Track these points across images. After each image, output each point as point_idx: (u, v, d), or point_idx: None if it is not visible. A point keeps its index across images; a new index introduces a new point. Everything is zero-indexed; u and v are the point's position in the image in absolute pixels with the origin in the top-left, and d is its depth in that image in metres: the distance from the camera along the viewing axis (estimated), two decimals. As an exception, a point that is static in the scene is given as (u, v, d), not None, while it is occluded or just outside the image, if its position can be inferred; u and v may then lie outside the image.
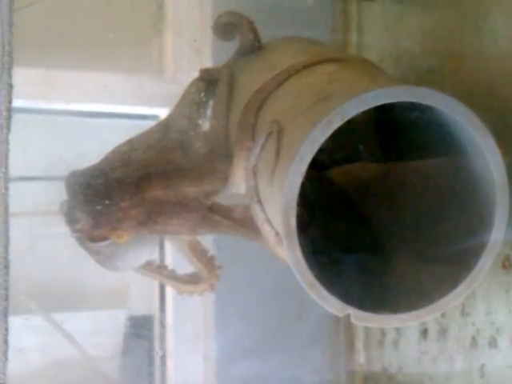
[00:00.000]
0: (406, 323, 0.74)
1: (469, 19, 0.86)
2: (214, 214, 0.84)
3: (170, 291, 1.12)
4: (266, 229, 0.78)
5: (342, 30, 1.09)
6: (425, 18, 0.93)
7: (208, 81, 0.89)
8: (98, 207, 0.82)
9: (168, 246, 1.10)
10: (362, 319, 0.70)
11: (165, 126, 0.90)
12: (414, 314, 0.72)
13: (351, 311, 0.69)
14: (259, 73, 0.84)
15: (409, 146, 0.86)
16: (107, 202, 0.83)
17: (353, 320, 0.70)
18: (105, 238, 0.85)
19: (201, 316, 1.14)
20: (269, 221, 0.77)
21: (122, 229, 0.84)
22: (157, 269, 0.94)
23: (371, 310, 0.71)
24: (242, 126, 0.79)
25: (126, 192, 0.83)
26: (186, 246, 0.93)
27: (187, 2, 1.12)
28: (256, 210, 0.78)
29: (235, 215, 0.84)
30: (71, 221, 0.83)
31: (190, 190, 0.84)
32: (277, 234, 0.76)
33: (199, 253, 0.93)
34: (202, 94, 0.88)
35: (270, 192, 0.74)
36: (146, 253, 0.92)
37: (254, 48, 0.90)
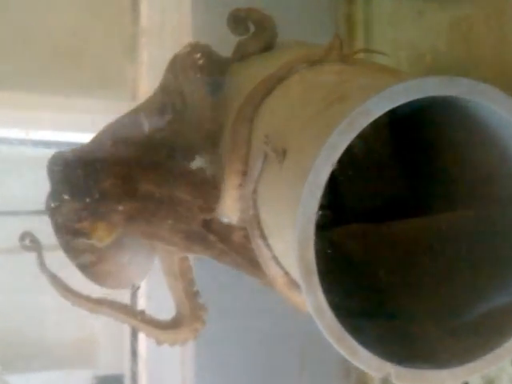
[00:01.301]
0: (460, 379, 0.58)
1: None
2: (209, 233, 0.71)
3: (143, 345, 0.98)
4: (272, 268, 0.63)
5: (346, 33, 0.96)
6: (448, 12, 0.79)
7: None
8: (85, 192, 0.71)
9: (142, 288, 0.95)
10: (407, 379, 0.54)
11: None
12: (470, 366, 0.56)
13: (392, 370, 0.53)
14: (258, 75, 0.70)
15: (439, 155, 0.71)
16: (95, 187, 0.72)
17: (394, 381, 0.54)
18: (87, 235, 0.74)
19: (179, 375, 0.98)
20: (275, 258, 0.62)
21: (109, 221, 0.72)
22: (131, 312, 0.79)
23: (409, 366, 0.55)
24: (233, 143, 0.64)
25: (118, 179, 0.71)
26: (176, 267, 0.79)
27: (163, 30, 1.01)
28: (259, 246, 0.64)
29: (234, 238, 0.69)
30: (54, 206, 0.73)
31: (182, 196, 0.70)
32: (286, 273, 0.62)
33: (187, 281, 0.80)
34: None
35: (275, 223, 0.60)
36: (139, 268, 0.81)
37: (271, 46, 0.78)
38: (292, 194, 0.54)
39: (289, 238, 0.53)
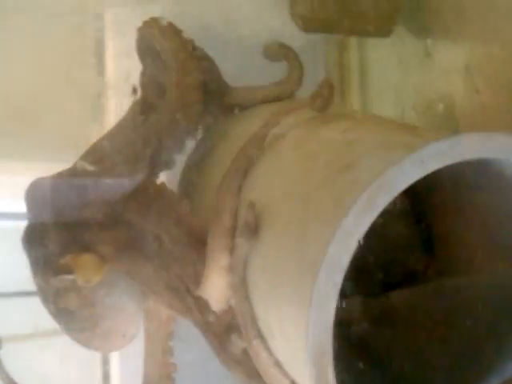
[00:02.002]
0: None
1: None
2: (188, 294, 0.60)
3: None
4: (273, 376, 0.51)
5: (339, 81, 0.86)
6: (464, 51, 0.68)
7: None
8: (67, 219, 0.63)
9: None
10: None
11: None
12: None
13: None
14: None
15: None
16: (78, 214, 0.63)
17: None
18: (70, 271, 0.63)
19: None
20: (278, 364, 0.50)
21: (95, 253, 0.63)
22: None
23: None
24: (217, 214, 0.52)
25: (102, 204, 0.63)
26: (162, 329, 0.70)
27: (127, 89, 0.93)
28: (255, 348, 0.51)
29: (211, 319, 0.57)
30: (32, 241, 0.63)
31: (164, 238, 0.60)
32: (293, 383, 0.49)
33: (166, 348, 0.70)
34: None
35: (277, 321, 0.47)
36: (130, 318, 0.69)
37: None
38: (297, 289, 0.42)
39: (297, 345, 0.41)
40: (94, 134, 0.90)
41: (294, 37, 0.78)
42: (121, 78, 0.89)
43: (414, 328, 0.63)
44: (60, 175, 0.65)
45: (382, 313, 0.66)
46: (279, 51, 0.72)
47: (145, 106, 0.69)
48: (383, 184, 0.39)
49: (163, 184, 0.64)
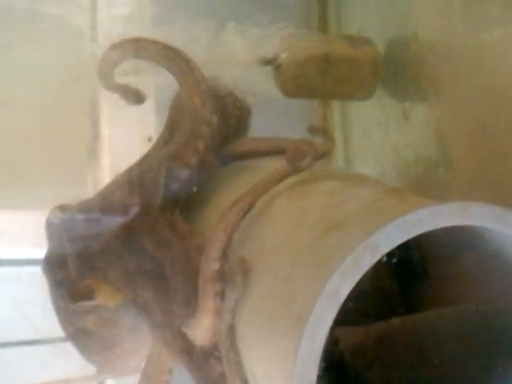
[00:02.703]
0: None
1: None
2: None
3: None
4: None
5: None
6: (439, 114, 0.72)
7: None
8: (87, 245, 0.65)
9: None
10: None
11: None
12: None
13: None
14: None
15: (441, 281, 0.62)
16: (97, 240, 0.65)
17: None
18: (90, 296, 0.65)
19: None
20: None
21: (106, 277, 0.64)
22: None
23: None
24: (206, 260, 0.54)
25: (120, 229, 0.64)
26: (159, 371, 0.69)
27: (124, 133, 0.95)
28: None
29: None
30: (52, 266, 0.66)
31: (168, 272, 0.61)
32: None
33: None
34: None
35: (263, 373, 0.48)
36: (145, 338, 0.69)
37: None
38: (283, 344, 0.43)
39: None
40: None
41: (279, 98, 0.82)
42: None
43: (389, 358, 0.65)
44: (77, 206, 0.67)
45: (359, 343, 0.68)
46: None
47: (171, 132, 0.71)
48: (368, 246, 0.41)
49: (177, 216, 0.65)
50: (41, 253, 0.86)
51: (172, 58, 0.69)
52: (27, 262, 0.90)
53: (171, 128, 0.72)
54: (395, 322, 0.65)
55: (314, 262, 0.45)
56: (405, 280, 0.65)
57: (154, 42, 0.69)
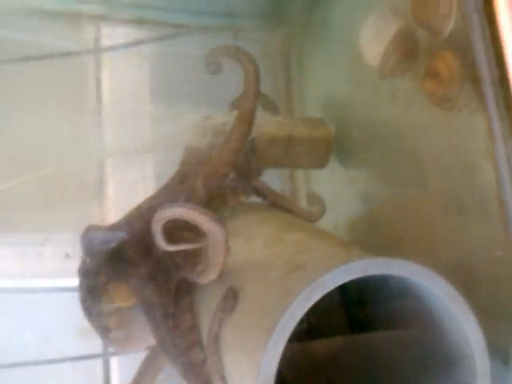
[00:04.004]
0: None
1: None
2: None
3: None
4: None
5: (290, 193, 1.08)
6: (375, 182, 0.92)
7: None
8: (113, 257, 0.80)
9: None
10: None
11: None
12: None
13: None
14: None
15: (381, 316, 0.80)
16: (121, 253, 0.80)
17: None
18: (112, 299, 0.82)
19: None
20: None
21: (129, 284, 0.80)
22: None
23: None
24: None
25: (139, 245, 0.80)
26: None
27: (126, 169, 1.09)
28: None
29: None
30: (84, 272, 0.82)
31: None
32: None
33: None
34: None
35: (238, 373, 0.65)
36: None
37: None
38: (254, 350, 0.61)
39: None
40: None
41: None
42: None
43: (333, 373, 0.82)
44: (107, 226, 0.84)
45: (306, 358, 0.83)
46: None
47: (182, 176, 0.88)
48: (319, 284, 0.59)
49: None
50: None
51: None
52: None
53: (182, 174, 0.90)
54: (339, 340, 0.82)
55: (281, 292, 0.63)
56: (350, 309, 0.84)
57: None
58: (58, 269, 1.04)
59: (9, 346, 1.00)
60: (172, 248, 0.71)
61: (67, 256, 1.04)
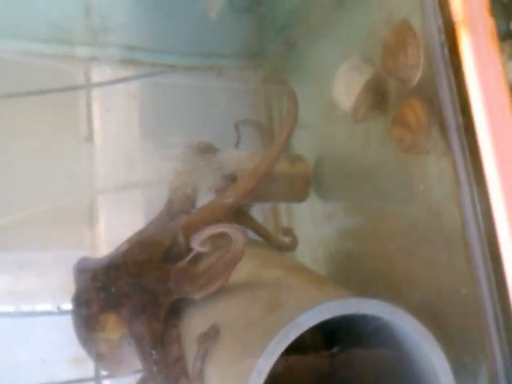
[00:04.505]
0: None
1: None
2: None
3: None
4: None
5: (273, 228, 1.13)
6: (351, 218, 0.97)
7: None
8: (104, 291, 0.84)
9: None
10: None
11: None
12: None
13: None
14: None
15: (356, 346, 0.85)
16: (113, 284, 0.84)
17: None
18: (102, 328, 0.85)
19: None
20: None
21: (120, 315, 0.83)
22: None
23: None
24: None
25: (130, 276, 0.84)
26: None
27: (119, 205, 1.13)
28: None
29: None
30: (78, 302, 0.86)
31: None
32: None
33: None
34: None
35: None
36: None
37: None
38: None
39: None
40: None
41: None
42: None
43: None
44: (98, 258, 0.88)
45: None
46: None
47: (170, 214, 0.94)
48: (294, 325, 0.64)
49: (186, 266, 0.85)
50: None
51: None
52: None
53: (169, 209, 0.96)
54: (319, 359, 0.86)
55: (260, 331, 0.67)
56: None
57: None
58: (50, 293, 1.08)
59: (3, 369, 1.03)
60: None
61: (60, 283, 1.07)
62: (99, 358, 0.90)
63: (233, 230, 0.76)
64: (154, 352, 0.81)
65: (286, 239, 0.98)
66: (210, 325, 0.72)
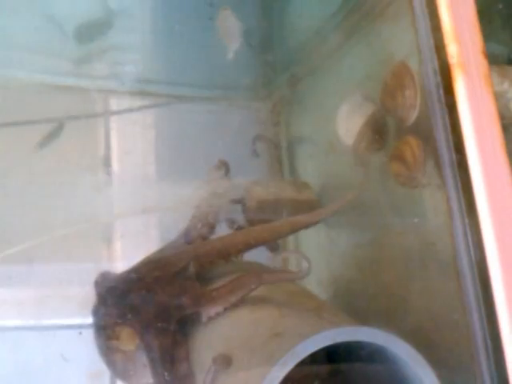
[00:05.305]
0: None
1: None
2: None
3: None
4: None
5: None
6: (352, 244, 1.02)
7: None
8: (121, 304, 0.90)
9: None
10: None
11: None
12: None
13: None
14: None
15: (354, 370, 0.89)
16: (127, 299, 0.90)
17: None
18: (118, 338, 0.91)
19: None
20: None
21: (134, 328, 0.89)
22: None
23: None
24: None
25: (140, 292, 0.89)
26: None
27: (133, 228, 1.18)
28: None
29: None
30: (96, 313, 0.91)
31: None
32: None
33: None
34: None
35: None
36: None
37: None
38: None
39: None
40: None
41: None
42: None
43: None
44: (117, 274, 0.94)
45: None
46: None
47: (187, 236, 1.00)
48: (294, 353, 0.68)
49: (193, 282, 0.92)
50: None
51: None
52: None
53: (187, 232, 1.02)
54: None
55: (263, 357, 0.72)
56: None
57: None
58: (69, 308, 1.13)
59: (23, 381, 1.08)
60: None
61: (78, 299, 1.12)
62: (115, 367, 0.95)
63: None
64: (163, 367, 0.87)
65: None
66: (219, 354, 0.77)
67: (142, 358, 0.91)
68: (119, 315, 0.90)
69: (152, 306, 0.89)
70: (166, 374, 0.86)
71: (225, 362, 0.76)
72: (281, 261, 1.08)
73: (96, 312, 0.93)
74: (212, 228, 1.00)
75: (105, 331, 0.92)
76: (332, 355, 0.92)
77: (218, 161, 1.04)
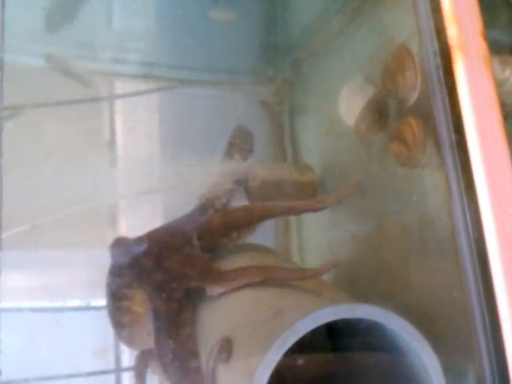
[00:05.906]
0: None
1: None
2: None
3: None
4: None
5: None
6: (353, 224, 1.03)
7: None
8: (134, 266, 0.92)
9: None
10: None
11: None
12: None
13: None
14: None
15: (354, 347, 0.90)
16: (139, 263, 0.92)
17: None
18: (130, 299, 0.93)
19: None
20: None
21: (145, 290, 0.91)
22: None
23: None
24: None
25: (153, 257, 0.92)
26: None
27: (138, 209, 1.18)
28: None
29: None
30: (111, 275, 0.94)
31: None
32: None
33: None
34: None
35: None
36: None
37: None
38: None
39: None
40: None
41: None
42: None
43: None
44: (132, 238, 0.96)
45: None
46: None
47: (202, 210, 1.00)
48: (294, 330, 0.69)
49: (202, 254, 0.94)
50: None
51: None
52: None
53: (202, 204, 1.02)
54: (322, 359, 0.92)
55: (264, 335, 0.73)
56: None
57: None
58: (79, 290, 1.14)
59: (27, 362, 1.08)
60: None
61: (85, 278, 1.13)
62: (121, 330, 0.97)
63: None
64: (168, 328, 0.89)
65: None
66: (223, 338, 0.78)
67: (148, 324, 0.93)
68: (131, 277, 0.93)
69: (160, 271, 0.91)
70: (170, 341, 0.88)
71: (227, 347, 0.77)
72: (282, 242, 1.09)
73: (110, 273, 0.95)
74: (226, 200, 1.02)
75: (118, 292, 0.94)
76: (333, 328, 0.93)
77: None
